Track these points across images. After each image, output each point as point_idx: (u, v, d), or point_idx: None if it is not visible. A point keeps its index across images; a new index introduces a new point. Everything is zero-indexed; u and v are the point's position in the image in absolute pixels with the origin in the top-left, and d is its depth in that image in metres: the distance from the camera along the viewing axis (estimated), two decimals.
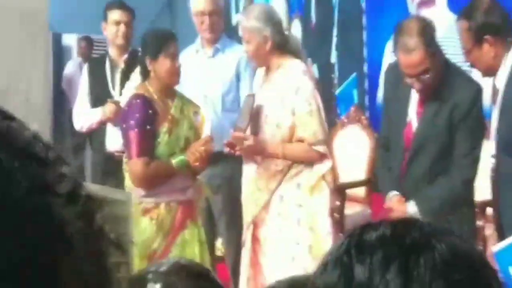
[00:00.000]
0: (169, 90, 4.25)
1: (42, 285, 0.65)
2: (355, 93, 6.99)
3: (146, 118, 4.07)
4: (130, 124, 4.07)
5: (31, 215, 0.65)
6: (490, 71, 3.81)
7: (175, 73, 4.19)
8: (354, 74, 7.01)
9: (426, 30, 3.93)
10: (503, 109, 3.78)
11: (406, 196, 4.04)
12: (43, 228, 0.66)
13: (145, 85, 4.20)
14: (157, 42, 4.17)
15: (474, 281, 0.92)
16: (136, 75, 4.30)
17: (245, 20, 4.45)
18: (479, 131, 4.04)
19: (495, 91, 3.86)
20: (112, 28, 5.23)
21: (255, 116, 4.35)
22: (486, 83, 4.05)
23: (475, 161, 3.99)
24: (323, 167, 4.35)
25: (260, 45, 4.35)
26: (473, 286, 0.92)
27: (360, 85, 6.93)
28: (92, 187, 0.73)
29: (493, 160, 3.85)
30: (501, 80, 3.81)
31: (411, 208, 4.00)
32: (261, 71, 4.57)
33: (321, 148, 4.34)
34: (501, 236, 3.70)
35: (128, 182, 4.23)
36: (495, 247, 3.33)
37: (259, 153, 4.35)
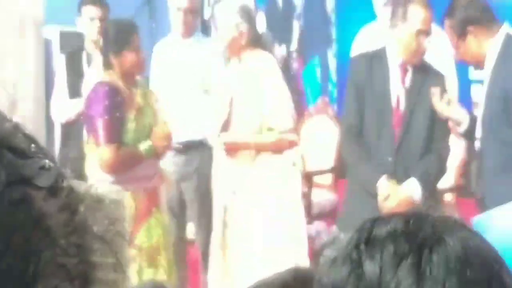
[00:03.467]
0: (132, 78, 4.28)
1: (23, 278, 0.65)
2: (318, 72, 7.19)
3: (114, 105, 4.09)
4: (99, 111, 4.09)
5: (9, 208, 0.64)
6: (478, 62, 4.03)
7: (140, 65, 4.25)
8: (316, 56, 7.27)
9: None
10: (489, 90, 3.97)
11: (398, 176, 4.09)
12: (22, 221, 0.65)
13: (110, 73, 4.22)
14: (120, 37, 4.20)
15: (487, 278, 0.89)
16: (97, 64, 4.33)
17: (222, 14, 4.56)
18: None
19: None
20: (87, 23, 5.32)
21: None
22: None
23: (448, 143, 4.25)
24: (293, 154, 4.48)
25: (235, 39, 4.49)
26: (486, 283, 0.89)
27: (323, 66, 7.12)
28: (82, 185, 0.72)
29: (478, 144, 4.05)
30: (489, 63, 3.98)
31: (413, 185, 4.07)
32: (234, 64, 4.67)
33: (290, 136, 4.47)
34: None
35: (89, 166, 4.26)
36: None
37: (231, 149, 4.49)
